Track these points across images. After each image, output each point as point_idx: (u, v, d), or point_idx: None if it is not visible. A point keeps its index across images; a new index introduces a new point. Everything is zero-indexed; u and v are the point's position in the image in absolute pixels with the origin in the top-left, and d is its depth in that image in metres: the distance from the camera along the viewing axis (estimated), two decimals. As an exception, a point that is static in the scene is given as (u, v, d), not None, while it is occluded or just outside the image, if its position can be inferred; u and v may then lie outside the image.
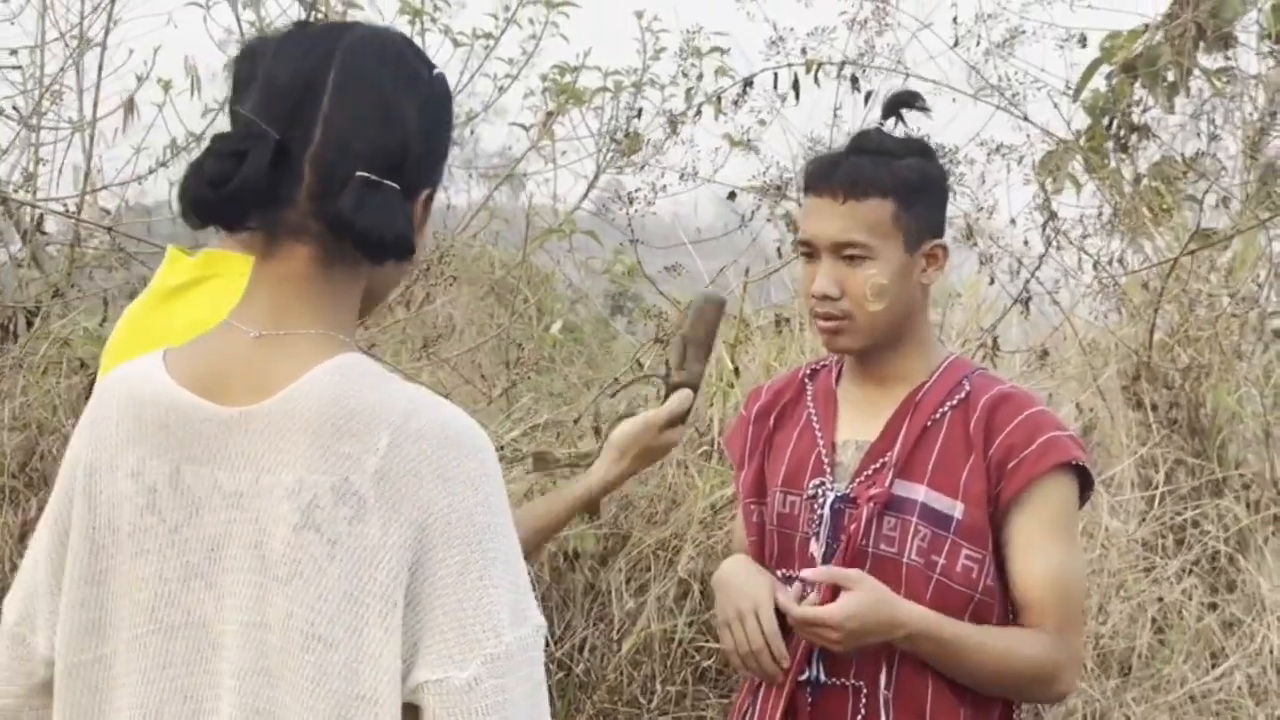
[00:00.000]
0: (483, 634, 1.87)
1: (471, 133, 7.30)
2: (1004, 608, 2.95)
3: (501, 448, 4.94)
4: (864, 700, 2.93)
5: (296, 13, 6.19)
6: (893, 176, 2.92)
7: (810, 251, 2.97)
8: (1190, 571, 5.35)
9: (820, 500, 2.98)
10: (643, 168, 6.53)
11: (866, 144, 2.98)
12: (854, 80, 6.67)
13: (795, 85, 6.69)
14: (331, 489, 1.87)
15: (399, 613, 1.86)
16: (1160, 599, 5.09)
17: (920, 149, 3.02)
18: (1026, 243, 5.65)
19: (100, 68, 6.12)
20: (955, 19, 6.49)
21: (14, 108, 6.03)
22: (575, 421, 4.92)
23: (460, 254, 6.48)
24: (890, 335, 2.97)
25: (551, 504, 3.14)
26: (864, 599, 2.81)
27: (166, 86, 5.99)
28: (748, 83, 6.83)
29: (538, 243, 6.36)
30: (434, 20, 6.59)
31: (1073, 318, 6.01)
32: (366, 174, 1.93)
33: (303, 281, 1.98)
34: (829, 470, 3.00)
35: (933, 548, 2.89)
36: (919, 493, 2.92)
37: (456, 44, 6.71)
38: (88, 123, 6.03)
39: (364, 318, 2.11)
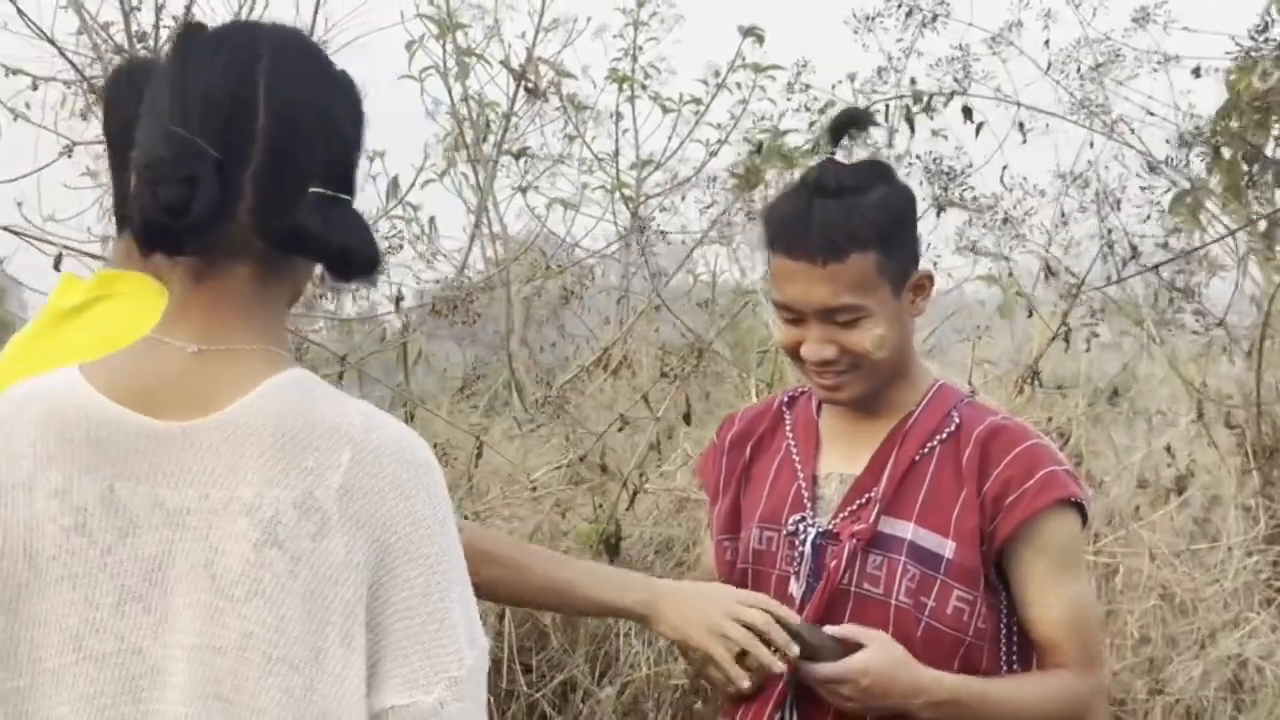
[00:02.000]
0: (447, 657, 1.84)
1: (683, 198, 7.35)
2: (995, 651, 2.80)
3: (534, 486, 4.88)
4: None
5: (505, 83, 6.34)
6: (867, 223, 2.70)
7: (794, 316, 2.77)
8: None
9: (801, 537, 2.82)
10: None
11: (827, 186, 2.74)
12: (966, 111, 6.46)
13: (909, 118, 6.48)
14: (294, 504, 1.81)
15: (363, 632, 1.81)
16: (1237, 656, 4.78)
17: (881, 174, 2.80)
18: (1110, 279, 5.38)
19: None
20: (1046, 42, 6.29)
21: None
22: (582, 459, 4.83)
23: (665, 317, 6.47)
24: (890, 374, 2.81)
25: (588, 578, 2.76)
26: (883, 656, 2.68)
27: (381, 155, 6.23)
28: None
29: (742, 304, 6.37)
30: (644, 88, 6.70)
31: (1178, 363, 5.74)
32: (320, 189, 1.88)
33: (243, 298, 1.92)
34: (810, 505, 2.84)
35: (922, 589, 2.74)
36: (907, 530, 2.77)
37: (665, 110, 6.78)
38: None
39: None
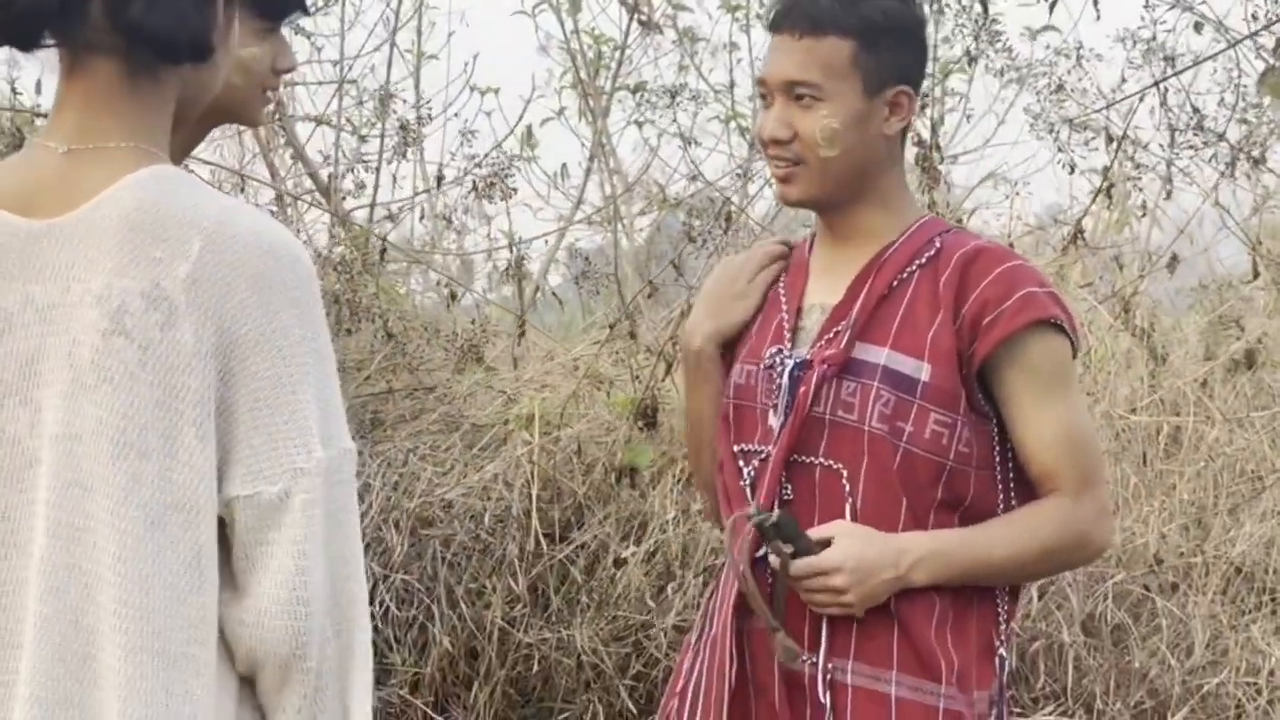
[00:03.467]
0: (293, 448, 1.85)
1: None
2: (988, 480, 2.76)
3: (577, 367, 4.90)
4: None
5: (618, 14, 6.37)
6: (855, 14, 2.74)
7: (766, 93, 2.82)
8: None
9: (779, 369, 2.81)
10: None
11: None
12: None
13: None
14: (141, 294, 1.84)
15: (213, 420, 1.84)
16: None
17: None
18: (1169, 144, 5.22)
19: (416, 81, 6.53)
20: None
21: (347, 120, 6.27)
22: (611, 328, 4.83)
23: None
24: (849, 189, 2.79)
25: None
26: (851, 537, 2.68)
27: (495, 91, 6.32)
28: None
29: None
30: (759, 17, 6.58)
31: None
32: None
33: (109, 96, 1.94)
34: (790, 337, 2.83)
35: (897, 413, 2.72)
36: (881, 355, 2.75)
37: (782, 40, 6.70)
38: (414, 135, 6.21)
39: (184, 129, 2.07)
